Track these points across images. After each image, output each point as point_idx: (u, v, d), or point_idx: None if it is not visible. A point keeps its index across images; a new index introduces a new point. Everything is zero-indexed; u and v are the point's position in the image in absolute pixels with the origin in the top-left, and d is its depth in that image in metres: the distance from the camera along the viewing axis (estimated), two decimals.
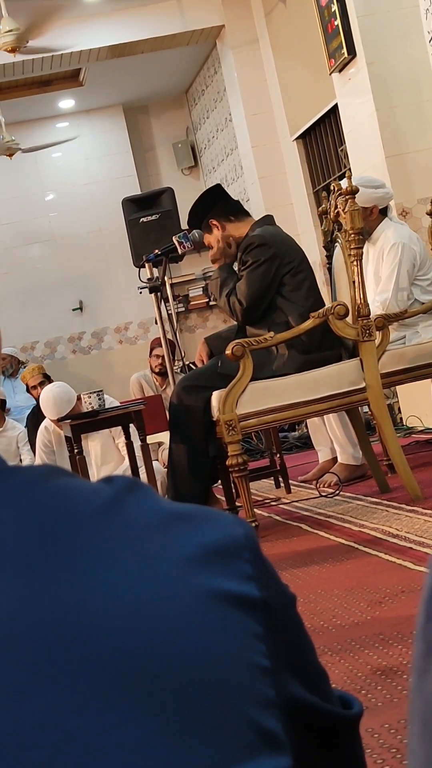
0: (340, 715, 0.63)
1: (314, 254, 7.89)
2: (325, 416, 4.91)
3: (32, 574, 0.54)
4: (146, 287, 5.04)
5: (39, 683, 0.51)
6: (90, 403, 4.87)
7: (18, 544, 0.55)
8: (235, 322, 4.58)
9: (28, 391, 8.30)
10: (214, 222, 4.53)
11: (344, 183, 4.16)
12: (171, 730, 0.51)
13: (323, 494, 4.68)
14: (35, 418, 7.04)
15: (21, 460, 7.12)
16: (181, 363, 6.32)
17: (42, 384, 7.54)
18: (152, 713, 0.51)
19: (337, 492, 4.65)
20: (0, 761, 0.50)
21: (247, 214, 4.64)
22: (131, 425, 5.00)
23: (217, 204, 4.57)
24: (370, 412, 4.63)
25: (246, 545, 0.58)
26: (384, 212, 5.02)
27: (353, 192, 4.13)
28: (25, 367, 9.64)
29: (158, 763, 0.51)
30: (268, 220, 4.63)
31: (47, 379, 7.84)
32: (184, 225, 5.64)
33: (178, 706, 0.52)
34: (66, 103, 10.04)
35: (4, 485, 0.57)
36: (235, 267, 4.58)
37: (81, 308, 10.35)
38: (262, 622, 0.56)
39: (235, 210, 4.60)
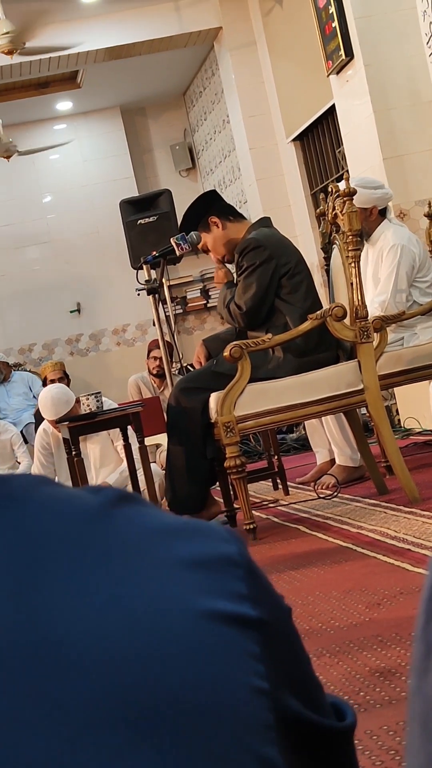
0: (335, 728, 0.63)
1: (312, 256, 7.89)
2: (323, 418, 4.91)
3: (16, 595, 0.52)
4: (144, 289, 5.04)
5: (28, 716, 0.49)
6: (88, 405, 4.87)
7: (1, 562, 0.53)
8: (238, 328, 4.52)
9: (44, 384, 8.30)
10: (215, 219, 4.49)
11: (342, 185, 4.16)
12: (171, 762, 0.50)
13: (321, 496, 4.67)
14: (41, 418, 7.05)
15: (19, 463, 7.12)
16: (178, 365, 6.33)
17: (60, 380, 7.58)
18: (150, 744, 0.50)
19: (335, 494, 4.65)
20: None
21: (243, 217, 4.64)
22: (129, 427, 5.00)
23: (214, 204, 4.56)
24: (368, 414, 4.63)
25: (239, 562, 0.57)
26: (383, 213, 5.02)
27: (351, 194, 4.13)
28: (21, 369, 9.65)
29: None
30: (265, 222, 4.61)
31: (66, 377, 7.89)
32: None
33: (177, 736, 0.51)
34: (63, 105, 10.04)
35: None
36: (232, 269, 4.57)
37: (79, 310, 10.35)
38: (258, 642, 0.55)
39: (233, 212, 4.59)
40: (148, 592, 0.53)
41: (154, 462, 6.04)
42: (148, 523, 0.57)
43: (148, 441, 5.39)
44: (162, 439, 5.83)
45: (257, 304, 4.32)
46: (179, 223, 4.83)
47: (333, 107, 7.11)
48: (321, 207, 4.58)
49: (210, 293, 10.58)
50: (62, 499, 0.57)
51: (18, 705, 0.49)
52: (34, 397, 8.94)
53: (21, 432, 8.49)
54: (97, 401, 4.88)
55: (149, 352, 7.56)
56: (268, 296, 4.34)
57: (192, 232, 4.61)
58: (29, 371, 9.68)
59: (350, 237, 4.13)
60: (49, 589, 0.52)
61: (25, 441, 8.30)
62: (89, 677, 0.50)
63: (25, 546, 0.54)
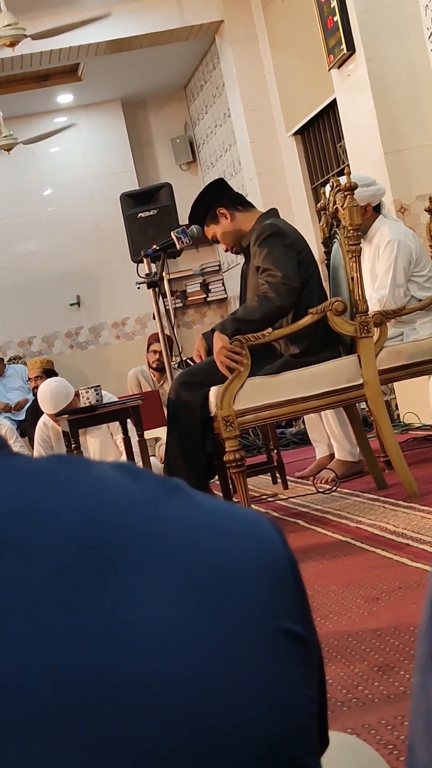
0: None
1: (313, 250, 7.88)
2: (322, 412, 4.91)
3: (60, 613, 0.48)
4: (144, 282, 5.04)
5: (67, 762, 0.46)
6: (88, 398, 4.87)
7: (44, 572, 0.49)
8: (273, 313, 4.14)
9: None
10: (223, 210, 4.41)
11: (343, 179, 4.16)
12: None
13: (320, 490, 4.68)
14: (35, 412, 7.04)
15: None
16: (178, 358, 6.32)
17: (39, 378, 7.53)
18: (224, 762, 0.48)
19: (334, 488, 4.65)
20: None
21: (252, 205, 4.57)
22: (129, 420, 5.00)
23: (222, 194, 4.49)
24: (367, 409, 4.63)
25: (289, 566, 0.55)
26: (377, 209, 5.02)
27: (352, 188, 4.12)
28: (20, 362, 9.65)
29: None
30: (274, 213, 4.56)
31: (47, 374, 7.81)
32: (182, 220, 5.63)
33: (241, 755, 0.49)
34: (64, 97, 10.03)
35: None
36: (240, 259, 4.54)
37: (78, 303, 10.35)
38: (306, 665, 0.54)
39: (241, 201, 4.53)
40: (219, 609, 0.51)
41: (154, 455, 6.04)
42: (203, 518, 0.54)
43: (148, 434, 5.39)
44: (161, 432, 5.83)
45: (295, 271, 4.18)
46: (179, 216, 4.81)
47: (334, 101, 7.11)
48: (321, 201, 4.57)
49: (210, 287, 10.58)
50: (110, 493, 0.53)
51: (46, 749, 0.46)
52: (29, 390, 8.94)
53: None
54: (97, 394, 4.88)
55: (149, 345, 7.56)
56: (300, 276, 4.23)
57: (192, 226, 4.60)
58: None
59: (351, 231, 4.13)
60: (93, 609, 0.49)
61: (25, 434, 8.31)
62: (143, 711, 0.47)
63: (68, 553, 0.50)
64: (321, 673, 0.58)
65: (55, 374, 7.75)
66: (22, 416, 8.62)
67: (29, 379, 8.02)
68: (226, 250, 4.54)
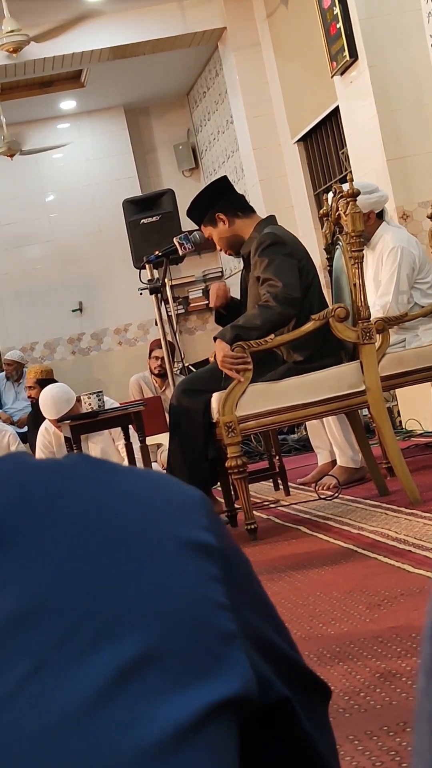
0: (298, 660, 0.69)
1: (315, 257, 7.88)
2: (324, 419, 4.91)
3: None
4: (146, 288, 5.04)
5: None
6: (90, 404, 4.87)
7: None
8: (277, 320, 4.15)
9: None
10: (221, 216, 4.39)
11: (346, 186, 4.16)
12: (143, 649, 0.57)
13: (322, 497, 4.67)
14: (35, 419, 7.03)
15: None
16: (180, 365, 6.31)
17: (32, 388, 7.52)
18: (129, 638, 0.57)
19: (336, 495, 4.65)
20: None
21: (252, 210, 4.54)
22: (130, 426, 5.00)
23: (223, 197, 4.45)
24: (369, 415, 4.63)
25: (202, 503, 0.64)
26: (380, 216, 5.02)
27: (354, 195, 4.12)
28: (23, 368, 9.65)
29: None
30: (272, 220, 4.54)
31: (41, 385, 7.77)
32: (184, 227, 5.64)
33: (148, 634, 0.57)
34: (67, 104, 10.04)
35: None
36: (236, 262, 4.54)
37: (81, 309, 10.35)
38: (220, 567, 0.61)
39: (242, 206, 4.50)
40: (135, 523, 0.61)
41: (156, 461, 6.04)
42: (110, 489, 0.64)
43: (150, 440, 5.39)
44: (163, 438, 5.83)
45: (296, 279, 4.17)
46: (182, 222, 4.81)
47: (337, 108, 7.11)
48: (324, 208, 4.56)
49: None
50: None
51: None
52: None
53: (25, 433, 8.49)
54: (99, 400, 4.88)
55: (151, 351, 7.56)
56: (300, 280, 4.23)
57: (195, 232, 4.60)
58: None
59: (353, 238, 4.13)
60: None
61: (26, 440, 8.30)
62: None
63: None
64: (250, 586, 0.66)
65: (53, 382, 7.70)
66: (24, 429, 8.61)
67: (27, 386, 8.01)
68: (220, 250, 4.54)
